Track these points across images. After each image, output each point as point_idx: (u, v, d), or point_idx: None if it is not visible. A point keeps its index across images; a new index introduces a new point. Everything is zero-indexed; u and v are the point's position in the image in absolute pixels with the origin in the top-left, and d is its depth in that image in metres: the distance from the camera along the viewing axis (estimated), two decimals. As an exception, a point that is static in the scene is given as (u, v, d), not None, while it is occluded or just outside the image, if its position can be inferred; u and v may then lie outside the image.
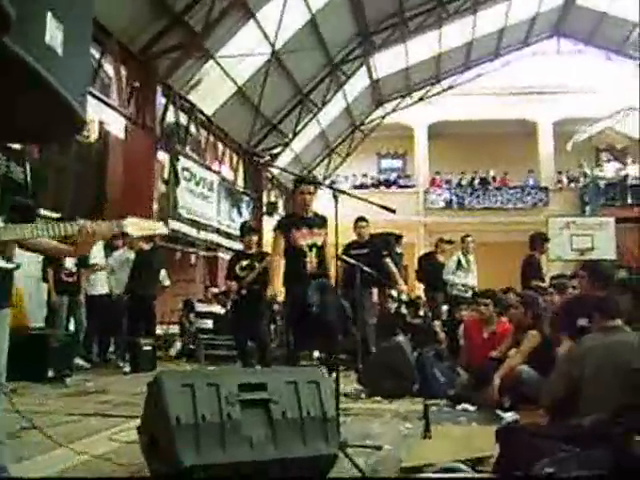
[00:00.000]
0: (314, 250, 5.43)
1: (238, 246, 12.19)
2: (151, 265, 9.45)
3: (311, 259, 5.42)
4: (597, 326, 4.04)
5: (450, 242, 10.56)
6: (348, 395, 6.28)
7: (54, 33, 1.09)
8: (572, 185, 23.67)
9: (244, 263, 7.78)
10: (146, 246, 9.32)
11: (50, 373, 7.52)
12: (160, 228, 3.19)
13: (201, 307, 12.73)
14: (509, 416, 4.99)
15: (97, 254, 9.48)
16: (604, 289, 5.13)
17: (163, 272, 10.08)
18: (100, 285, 9.87)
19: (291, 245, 5.41)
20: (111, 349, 10.26)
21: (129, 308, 9.42)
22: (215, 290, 13.49)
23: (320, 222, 5.55)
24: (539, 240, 8.75)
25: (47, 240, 2.97)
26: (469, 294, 9.47)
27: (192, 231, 13.81)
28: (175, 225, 12.95)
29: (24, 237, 2.85)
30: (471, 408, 5.65)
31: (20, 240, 2.87)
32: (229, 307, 8.96)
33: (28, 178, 8.60)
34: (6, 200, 2.90)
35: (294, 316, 5.45)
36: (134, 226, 2.99)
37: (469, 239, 9.92)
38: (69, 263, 8.73)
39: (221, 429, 3.02)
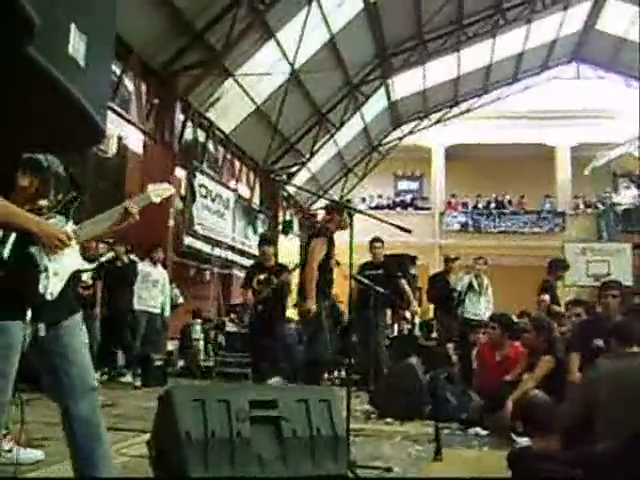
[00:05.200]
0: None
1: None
2: (126, 279, 9.10)
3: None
4: (614, 352, 3.99)
5: (456, 259, 10.33)
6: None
7: (77, 44, 1.10)
8: (589, 210, 23.54)
9: (261, 277, 7.74)
10: (126, 259, 9.07)
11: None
12: (170, 189, 3.23)
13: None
14: (524, 441, 4.93)
15: None
16: (625, 314, 5.11)
17: (177, 290, 10.02)
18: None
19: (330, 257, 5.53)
20: (121, 363, 10.17)
21: (103, 320, 9.13)
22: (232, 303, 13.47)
23: None
24: (556, 266, 8.66)
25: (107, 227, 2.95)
26: (481, 317, 9.30)
27: (207, 248, 13.83)
28: (190, 241, 12.98)
29: (100, 233, 2.84)
30: (483, 432, 5.59)
31: (97, 237, 2.89)
32: (246, 321, 8.91)
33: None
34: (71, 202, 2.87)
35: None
36: (154, 193, 3.07)
37: (480, 261, 9.71)
38: (85, 276, 8.68)
39: (230, 445, 3.00)
